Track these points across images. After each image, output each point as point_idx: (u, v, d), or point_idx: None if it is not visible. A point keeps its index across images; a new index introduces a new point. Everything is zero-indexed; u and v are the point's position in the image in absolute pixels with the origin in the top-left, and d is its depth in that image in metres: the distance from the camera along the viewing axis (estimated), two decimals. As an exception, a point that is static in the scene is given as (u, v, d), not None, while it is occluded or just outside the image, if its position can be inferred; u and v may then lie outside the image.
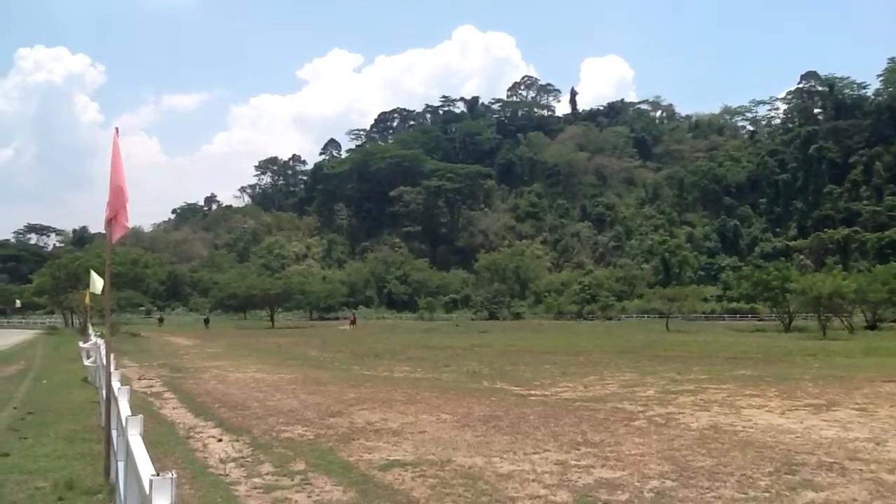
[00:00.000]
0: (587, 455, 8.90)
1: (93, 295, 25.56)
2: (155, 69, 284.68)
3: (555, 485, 7.45)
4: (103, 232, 8.04)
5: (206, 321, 69.43)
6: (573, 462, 8.51)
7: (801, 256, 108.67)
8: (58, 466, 8.35)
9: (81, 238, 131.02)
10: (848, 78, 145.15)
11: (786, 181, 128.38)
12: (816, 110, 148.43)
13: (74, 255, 66.42)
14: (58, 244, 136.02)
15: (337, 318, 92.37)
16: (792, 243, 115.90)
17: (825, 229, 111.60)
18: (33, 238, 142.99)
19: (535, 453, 9.05)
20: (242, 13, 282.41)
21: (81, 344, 22.73)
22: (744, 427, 10.88)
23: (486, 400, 14.29)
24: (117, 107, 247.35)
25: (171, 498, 3.07)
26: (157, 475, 3.14)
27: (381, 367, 22.74)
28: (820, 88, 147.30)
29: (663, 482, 7.50)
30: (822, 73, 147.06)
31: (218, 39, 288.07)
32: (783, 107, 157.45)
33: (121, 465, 5.72)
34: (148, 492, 3.10)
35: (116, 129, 7.29)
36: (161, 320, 73.74)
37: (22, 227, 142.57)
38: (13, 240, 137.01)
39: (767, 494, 7.02)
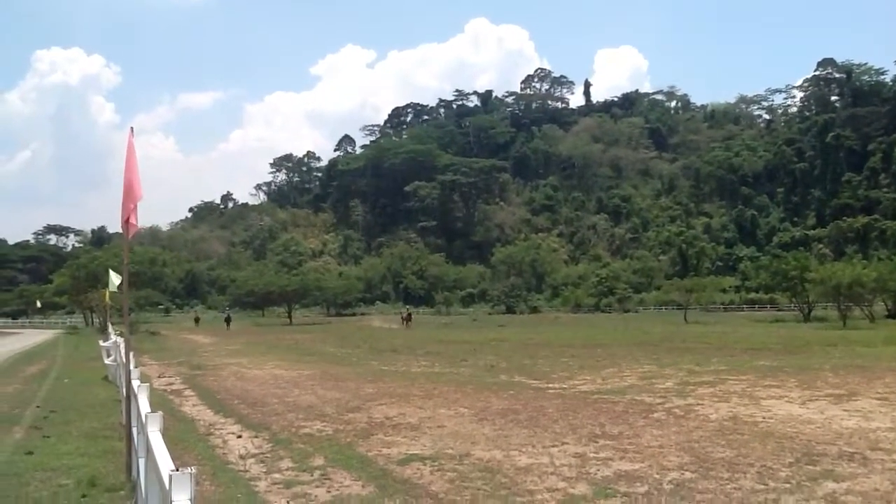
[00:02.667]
0: (606, 447, 8.89)
1: (112, 294, 25.86)
2: (170, 69, 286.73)
3: (573, 477, 7.44)
4: (121, 231, 8.10)
5: (228, 320, 64.56)
6: (592, 455, 8.50)
7: (820, 246, 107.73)
8: (80, 464, 8.45)
9: (100, 238, 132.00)
10: (865, 64, 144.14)
11: (803, 170, 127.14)
12: (833, 98, 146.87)
13: (93, 254, 66.76)
14: (77, 244, 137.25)
15: (354, 315, 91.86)
16: (810, 232, 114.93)
17: (844, 218, 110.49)
18: (53, 239, 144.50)
19: (553, 446, 9.05)
20: (255, 11, 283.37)
21: (101, 343, 22.94)
22: (763, 418, 10.82)
23: (504, 393, 14.29)
24: (133, 107, 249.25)
25: (190, 493, 3.09)
26: (177, 470, 3.16)
27: (399, 362, 22.78)
28: (837, 75, 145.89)
29: (682, 474, 7.48)
30: (839, 59, 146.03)
31: (232, 38, 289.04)
32: (800, 95, 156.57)
33: (141, 461, 5.77)
34: (168, 487, 3.12)
35: (131, 128, 7.37)
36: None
37: (41, 228, 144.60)
38: (33, 241, 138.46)
39: (788, 485, 6.97)
